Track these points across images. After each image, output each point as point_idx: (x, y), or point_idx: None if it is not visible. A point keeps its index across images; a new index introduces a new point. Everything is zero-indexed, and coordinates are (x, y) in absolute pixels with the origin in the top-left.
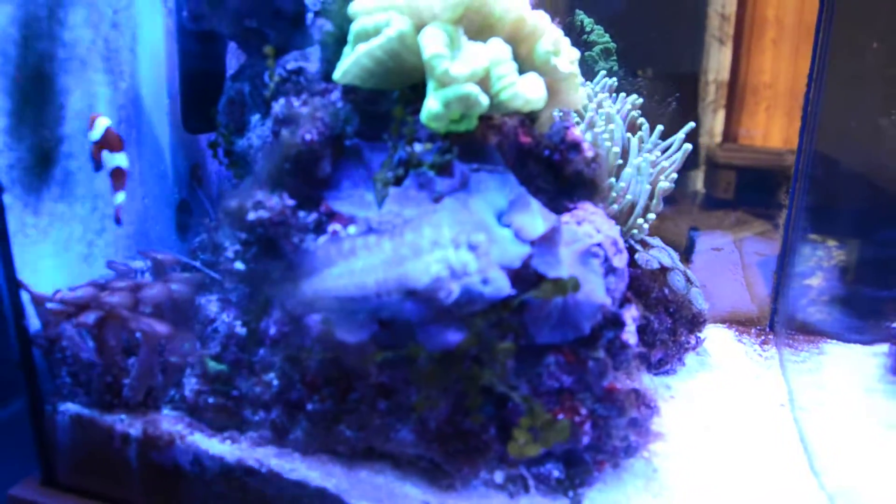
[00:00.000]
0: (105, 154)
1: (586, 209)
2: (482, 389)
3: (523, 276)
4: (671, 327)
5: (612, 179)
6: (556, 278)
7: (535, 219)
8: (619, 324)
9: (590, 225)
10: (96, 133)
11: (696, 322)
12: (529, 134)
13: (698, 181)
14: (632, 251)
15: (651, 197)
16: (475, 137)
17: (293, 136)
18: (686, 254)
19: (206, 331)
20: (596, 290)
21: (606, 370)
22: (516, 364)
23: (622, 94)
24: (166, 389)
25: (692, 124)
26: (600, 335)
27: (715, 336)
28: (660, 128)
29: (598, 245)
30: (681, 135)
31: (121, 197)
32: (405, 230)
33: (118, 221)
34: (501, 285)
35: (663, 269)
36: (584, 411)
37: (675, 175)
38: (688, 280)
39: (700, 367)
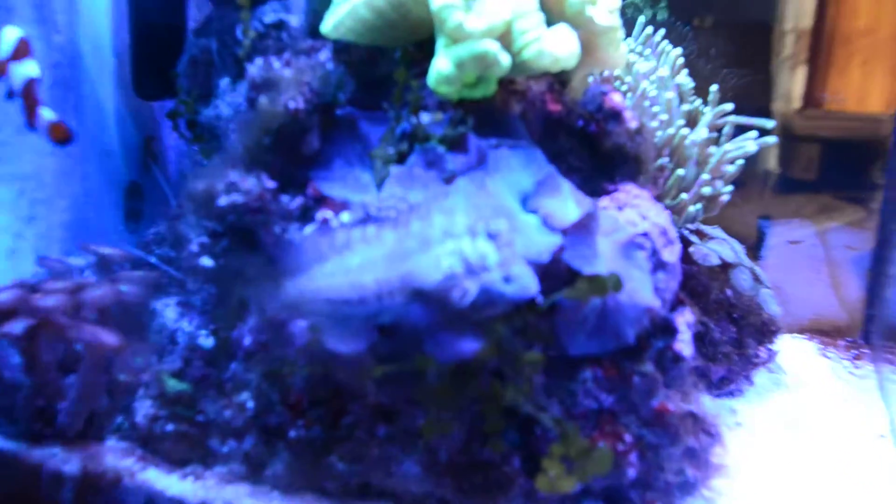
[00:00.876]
0: (12, 67)
1: (629, 191)
2: (504, 411)
3: (553, 273)
4: (736, 337)
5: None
6: (594, 275)
7: (567, 203)
8: (670, 331)
9: (634, 210)
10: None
11: (766, 331)
12: (560, 101)
13: (771, 158)
14: (686, 243)
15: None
16: (494, 105)
17: (273, 105)
18: (755, 248)
19: (163, 342)
20: (642, 290)
21: (656, 388)
22: (546, 380)
23: (667, 47)
24: (113, 415)
25: (771, 124)
26: (648, 345)
27: (792, 349)
28: (726, 106)
29: (645, 235)
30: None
31: (48, 113)
32: (411, 218)
33: (66, 138)
34: (527, 283)
35: (725, 266)
36: (628, 438)
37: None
38: (756, 279)
39: (773, 388)
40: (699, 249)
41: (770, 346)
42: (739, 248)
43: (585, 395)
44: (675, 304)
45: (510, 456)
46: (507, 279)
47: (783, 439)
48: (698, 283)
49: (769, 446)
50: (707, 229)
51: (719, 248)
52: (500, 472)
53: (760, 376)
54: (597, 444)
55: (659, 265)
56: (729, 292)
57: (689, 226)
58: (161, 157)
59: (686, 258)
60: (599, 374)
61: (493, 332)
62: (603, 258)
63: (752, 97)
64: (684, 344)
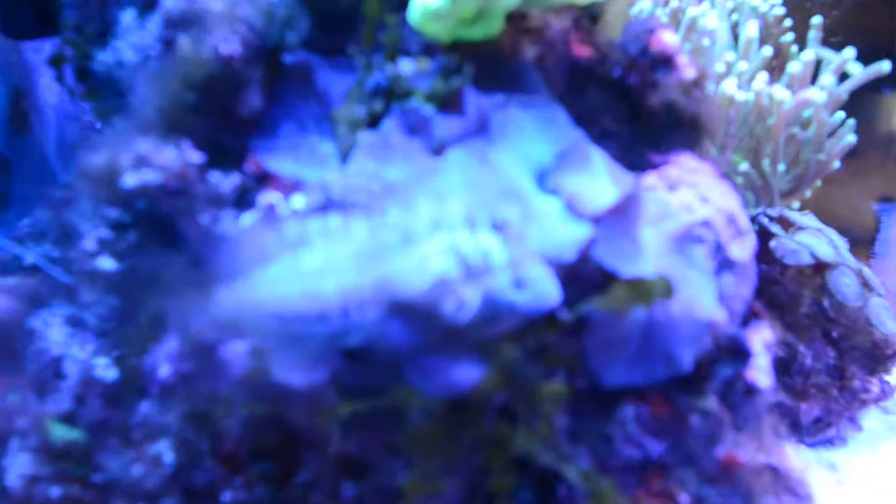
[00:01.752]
0: None
1: (684, 165)
2: (516, 463)
3: (581, 276)
4: (836, 364)
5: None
6: (635, 278)
7: (600, 181)
8: (741, 354)
9: (690, 191)
10: None
11: (879, 356)
12: (589, 42)
13: (894, 115)
14: (764, 235)
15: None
16: (500, 49)
17: (198, 49)
18: (867, 242)
19: (45, 374)
20: (701, 298)
21: (721, 431)
22: (572, 420)
23: None
24: None
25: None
26: (711, 373)
27: None
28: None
29: (705, 224)
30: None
31: None
32: (387, 204)
33: None
34: (544, 290)
35: (820, 266)
36: (685, 499)
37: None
38: (865, 285)
39: (888, 434)
40: (784, 244)
41: (884, 378)
42: (841, 242)
43: (626, 441)
44: (749, 318)
45: None
46: (518, 284)
47: None
48: (782, 290)
49: None
50: (795, 216)
51: (812, 241)
52: None
53: (871, 418)
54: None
55: (725, 265)
56: (826, 303)
57: (770, 211)
58: (36, 120)
59: (765, 256)
60: (645, 413)
61: (500, 356)
62: (648, 255)
63: (868, 30)
64: (760, 372)
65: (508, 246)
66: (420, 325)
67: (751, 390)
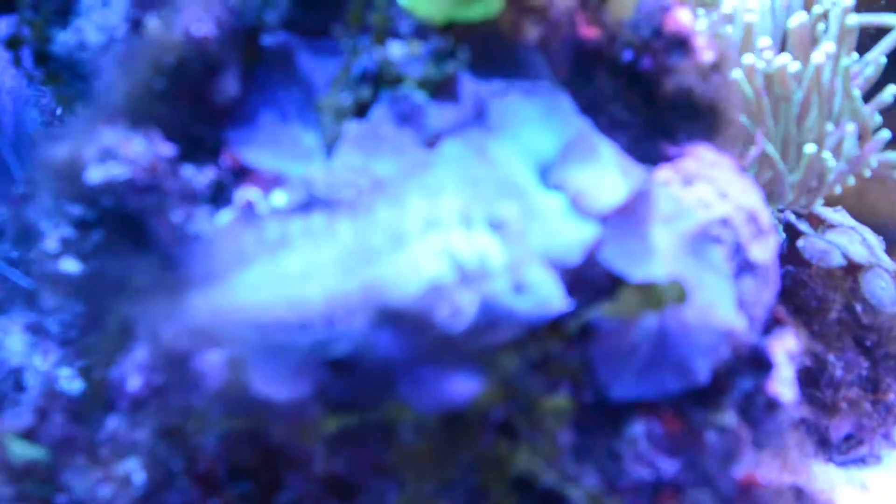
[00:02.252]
0: None
1: (702, 158)
2: (516, 483)
3: (587, 280)
4: (869, 375)
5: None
6: (646, 283)
7: (608, 175)
8: (762, 365)
9: (708, 186)
10: None
11: None
12: (598, 22)
13: None
14: (791, 233)
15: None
16: (500, 31)
17: (169, 30)
18: None
19: (3, 387)
20: (719, 304)
21: (740, 449)
22: (577, 437)
23: None
24: None
25: None
26: (729, 385)
27: None
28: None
29: (724, 222)
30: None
31: None
32: (376, 201)
33: None
34: (547, 295)
35: (853, 268)
36: None
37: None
38: None
39: None
40: (813, 243)
41: None
42: (876, 241)
43: (636, 460)
44: (771, 325)
45: None
46: (518, 290)
47: None
48: (811, 295)
49: None
50: (826, 212)
51: (844, 241)
52: None
53: None
54: None
55: (745, 267)
56: (858, 308)
57: (798, 208)
58: None
59: (791, 257)
60: (657, 429)
61: (499, 368)
62: (660, 258)
63: None
64: (784, 384)
65: (507, 247)
66: (412, 333)
67: (773, 404)
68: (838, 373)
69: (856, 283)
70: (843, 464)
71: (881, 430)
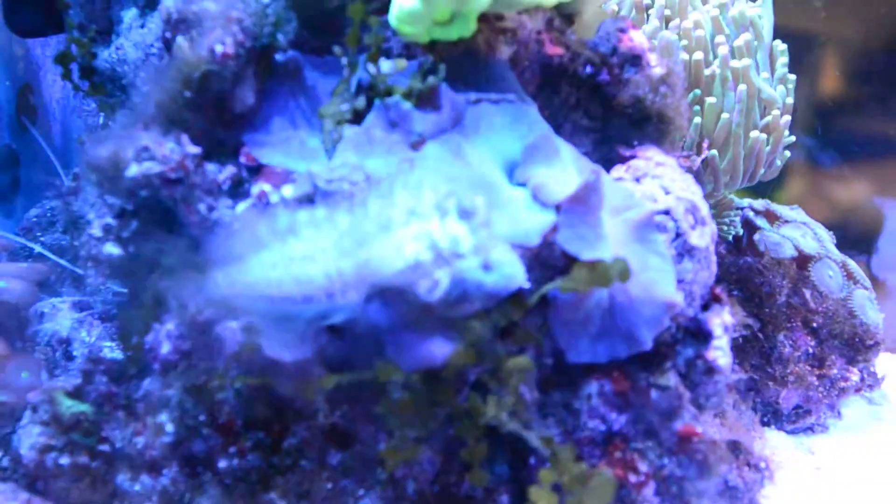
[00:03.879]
0: None
1: (651, 158)
2: (488, 433)
3: (546, 261)
4: (815, 353)
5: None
6: (594, 260)
7: (565, 171)
8: (702, 335)
9: (654, 182)
10: None
11: (859, 346)
12: (562, 42)
13: None
14: (749, 228)
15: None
16: (475, 49)
17: (195, 48)
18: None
19: (53, 354)
20: (661, 282)
21: (680, 406)
22: (541, 395)
23: None
24: None
25: None
26: (671, 352)
27: None
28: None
29: (666, 212)
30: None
31: None
32: (369, 195)
33: None
34: (510, 272)
35: (803, 259)
36: (644, 468)
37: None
38: (849, 277)
39: (870, 423)
40: (767, 237)
41: (867, 367)
42: (826, 235)
43: (590, 415)
44: (710, 302)
45: (497, 491)
46: (485, 267)
47: (878, 494)
48: (764, 281)
49: (856, 502)
50: (782, 209)
51: (797, 234)
52: None
53: (853, 407)
54: (602, 471)
55: (685, 251)
56: (807, 294)
57: (756, 204)
58: (41, 114)
59: (749, 248)
60: (608, 388)
61: (470, 332)
62: (609, 241)
63: None
64: (720, 352)
65: (475, 232)
66: (397, 304)
67: (711, 369)
68: (787, 350)
69: (806, 272)
70: (792, 432)
71: (827, 401)
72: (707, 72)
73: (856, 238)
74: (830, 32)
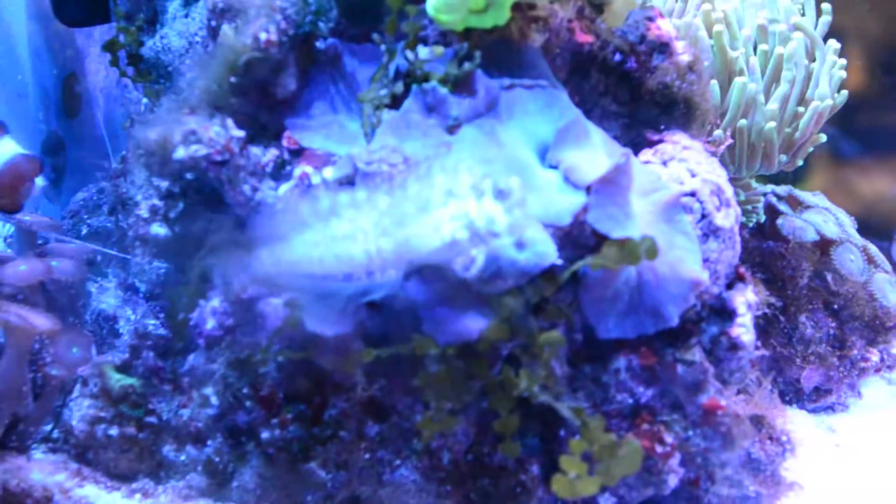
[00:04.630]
0: None
1: (678, 142)
2: (520, 405)
3: (577, 240)
4: (836, 334)
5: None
6: (623, 239)
7: (595, 154)
8: (726, 313)
9: (680, 165)
10: None
11: (879, 328)
12: (592, 30)
13: None
14: (772, 213)
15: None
16: (509, 36)
17: (240, 36)
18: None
19: (101, 330)
20: (687, 261)
21: (705, 380)
22: (571, 369)
23: None
24: (40, 421)
25: None
26: (696, 329)
27: None
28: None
29: (692, 194)
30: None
31: None
32: (407, 177)
33: None
34: (543, 250)
35: (825, 243)
36: (670, 439)
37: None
38: (870, 261)
39: (890, 402)
40: (790, 221)
41: (887, 348)
42: (848, 220)
43: (618, 388)
44: (734, 281)
45: (528, 461)
46: (519, 245)
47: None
48: (786, 265)
49: (875, 478)
50: (804, 195)
51: (819, 219)
52: (516, 480)
53: (874, 387)
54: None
55: (711, 231)
56: (829, 277)
57: (779, 190)
58: (84, 102)
59: (772, 233)
60: (635, 363)
61: (504, 308)
62: (637, 220)
63: None
64: (743, 329)
65: (509, 212)
66: (434, 281)
67: (735, 345)
68: (808, 331)
69: (827, 256)
70: (813, 410)
71: (847, 381)
72: (735, 54)
73: (878, 227)
74: (852, 25)
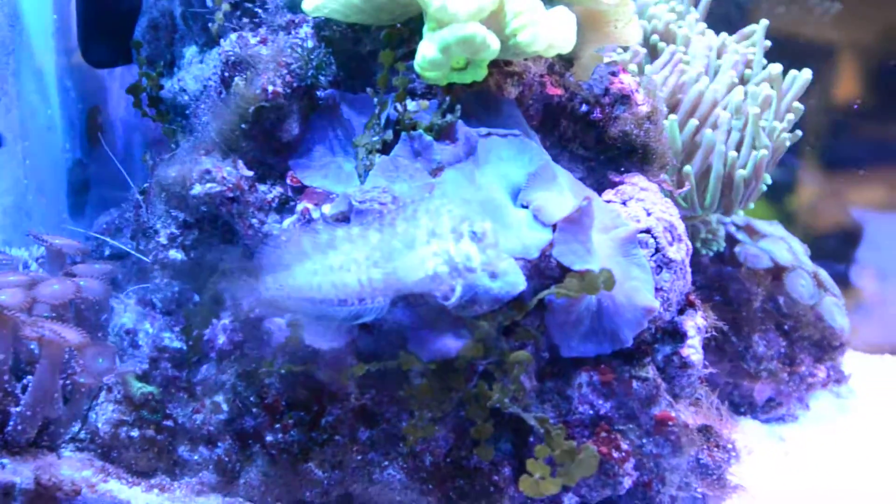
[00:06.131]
0: None
1: (636, 184)
2: (494, 415)
3: (544, 271)
4: (786, 352)
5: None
6: (584, 271)
7: (562, 196)
8: (677, 336)
9: (638, 204)
10: None
11: (826, 346)
12: (561, 83)
13: None
14: (731, 241)
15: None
16: (486, 90)
17: (250, 87)
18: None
19: (122, 343)
20: (641, 290)
21: (657, 395)
22: (539, 384)
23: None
24: (69, 423)
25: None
26: (650, 350)
27: (875, 370)
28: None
29: (647, 231)
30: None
31: None
32: (396, 217)
33: None
34: (513, 280)
35: (778, 269)
36: (625, 446)
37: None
38: (819, 285)
39: (837, 414)
40: (746, 249)
41: (833, 365)
42: (801, 248)
43: (581, 401)
44: (685, 307)
45: (501, 464)
46: (492, 276)
47: (841, 476)
48: (742, 288)
49: (819, 483)
50: (761, 225)
51: (773, 247)
52: (490, 481)
53: (821, 400)
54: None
55: (664, 264)
56: (781, 300)
57: (738, 220)
58: (106, 131)
59: (730, 259)
60: (596, 379)
61: (479, 330)
62: (598, 255)
63: None
64: (693, 350)
65: (483, 252)
66: (418, 306)
67: (685, 364)
68: (761, 349)
69: (780, 281)
70: (765, 421)
71: (796, 395)
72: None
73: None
74: (845, 39)
